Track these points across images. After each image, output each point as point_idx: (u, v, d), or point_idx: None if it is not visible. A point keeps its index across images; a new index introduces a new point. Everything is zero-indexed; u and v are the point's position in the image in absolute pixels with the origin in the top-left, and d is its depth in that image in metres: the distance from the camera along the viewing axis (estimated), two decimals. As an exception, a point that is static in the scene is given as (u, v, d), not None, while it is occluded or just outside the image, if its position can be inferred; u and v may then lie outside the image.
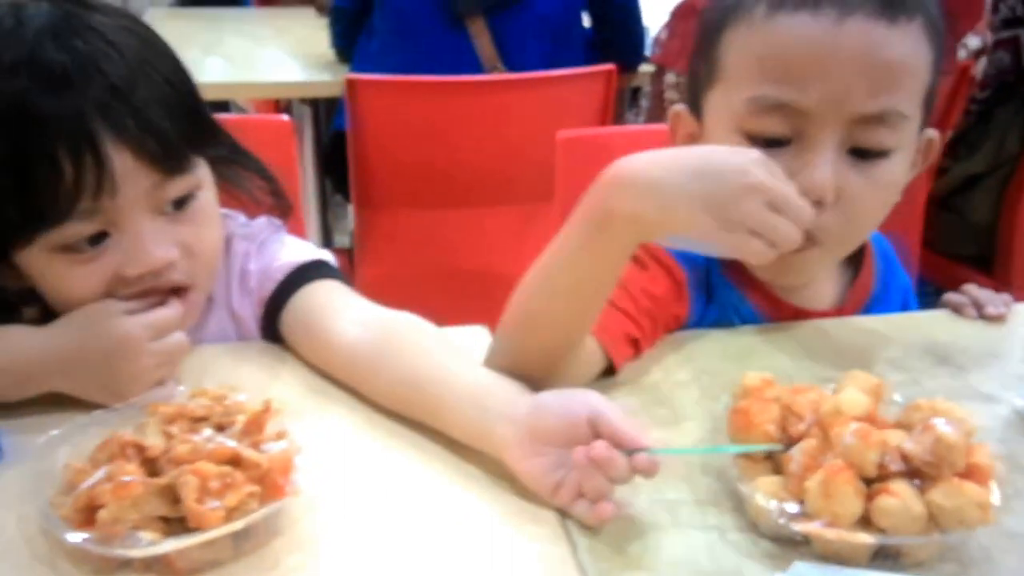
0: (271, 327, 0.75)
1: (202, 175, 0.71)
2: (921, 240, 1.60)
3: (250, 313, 0.77)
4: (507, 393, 0.60)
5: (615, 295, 0.68)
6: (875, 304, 0.83)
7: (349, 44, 1.77)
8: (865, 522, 0.51)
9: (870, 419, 0.54)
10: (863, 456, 0.51)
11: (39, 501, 0.52)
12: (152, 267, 0.67)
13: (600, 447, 0.53)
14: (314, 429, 0.59)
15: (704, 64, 0.74)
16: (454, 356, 0.65)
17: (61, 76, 0.63)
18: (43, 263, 0.66)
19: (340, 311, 0.71)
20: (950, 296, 0.85)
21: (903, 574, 0.51)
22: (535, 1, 1.64)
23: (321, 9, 2.15)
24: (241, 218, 0.81)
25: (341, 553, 0.53)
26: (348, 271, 1.57)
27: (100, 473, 0.51)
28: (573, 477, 0.54)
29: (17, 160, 0.63)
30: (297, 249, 0.79)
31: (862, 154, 0.69)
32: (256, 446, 0.54)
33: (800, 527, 0.51)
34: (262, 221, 0.82)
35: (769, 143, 0.68)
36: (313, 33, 1.96)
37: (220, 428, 0.56)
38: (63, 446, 0.56)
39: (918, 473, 0.52)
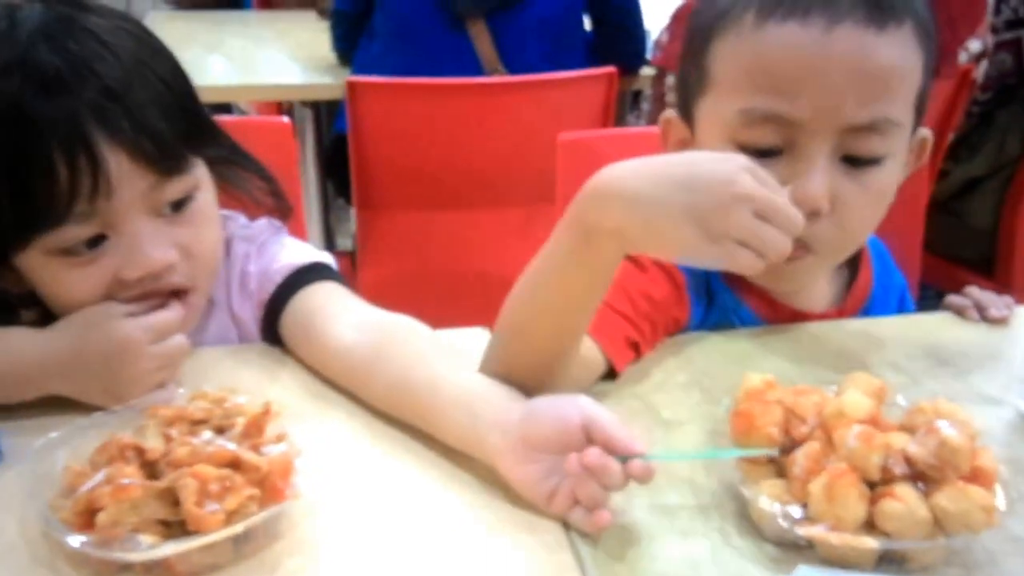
0: (271, 329, 0.75)
1: (200, 176, 0.71)
2: (922, 243, 1.60)
3: (250, 315, 0.77)
4: (499, 399, 0.59)
5: (614, 298, 0.68)
6: (874, 304, 0.83)
7: (350, 47, 1.77)
8: (869, 526, 0.51)
9: (873, 422, 0.54)
10: (866, 459, 0.51)
11: (39, 504, 0.52)
12: (150, 269, 0.66)
13: (594, 454, 0.52)
14: (315, 432, 0.59)
15: (694, 71, 0.73)
16: (448, 361, 0.64)
17: (54, 78, 0.62)
18: (41, 266, 0.66)
19: (337, 315, 0.70)
20: (952, 298, 0.85)
21: (907, 578, 0.51)
22: (535, 3, 1.64)
23: (322, 12, 2.15)
24: (242, 219, 0.81)
25: (342, 556, 0.53)
26: (350, 274, 1.57)
27: (99, 476, 0.51)
28: (568, 484, 0.54)
29: (12, 163, 0.62)
30: (297, 251, 0.78)
31: (854, 162, 0.69)
32: (256, 449, 0.54)
33: (804, 531, 0.51)
34: (263, 223, 0.81)
35: (761, 153, 0.67)
36: (314, 36, 1.96)
37: (220, 431, 0.56)
38: (62, 448, 0.56)
39: (922, 476, 0.52)
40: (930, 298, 1.29)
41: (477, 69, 1.64)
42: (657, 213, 0.55)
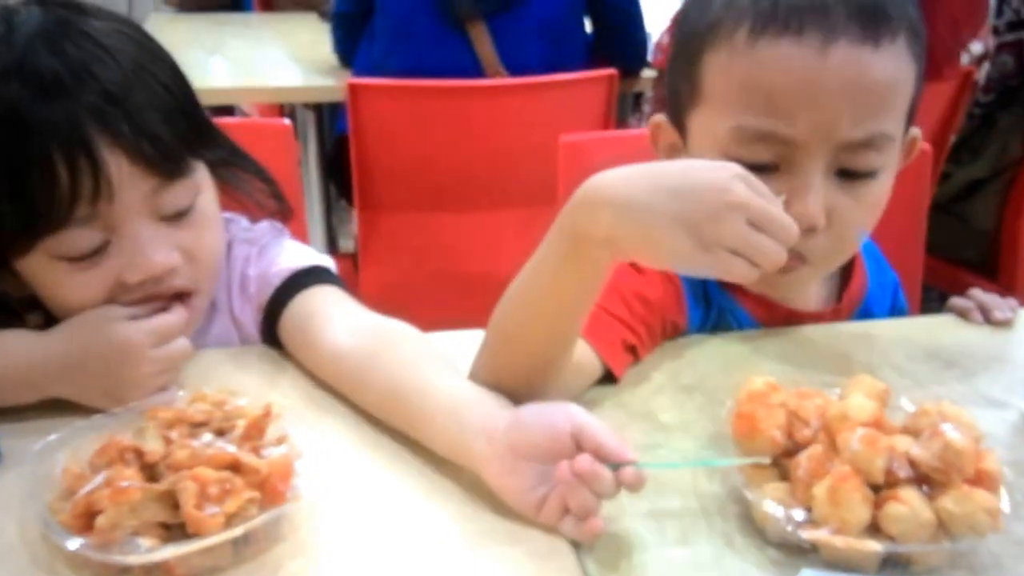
0: (271, 332, 0.75)
1: (201, 179, 0.71)
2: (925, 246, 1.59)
3: (250, 318, 0.77)
4: (486, 407, 0.58)
5: (610, 301, 0.67)
6: (871, 302, 0.83)
7: (351, 48, 1.77)
8: (873, 529, 0.51)
9: (877, 424, 0.54)
10: (870, 462, 0.51)
11: (38, 506, 0.52)
12: (152, 273, 0.66)
13: (585, 461, 0.52)
14: (315, 434, 0.58)
15: (685, 82, 0.72)
16: (439, 368, 0.63)
17: (53, 82, 0.62)
18: (44, 270, 0.66)
19: (331, 320, 0.70)
20: (955, 301, 0.84)
21: (912, 582, 0.50)
22: (536, 5, 1.64)
23: (323, 14, 2.15)
24: (243, 222, 0.81)
25: (343, 559, 0.53)
26: (352, 275, 1.56)
27: (99, 478, 0.51)
28: (557, 493, 0.53)
29: (12, 167, 0.62)
30: (296, 254, 0.78)
31: (849, 175, 0.68)
32: (256, 451, 0.54)
33: (808, 534, 0.50)
34: (264, 225, 0.81)
35: (755, 169, 0.66)
36: (315, 38, 1.96)
37: (220, 433, 0.55)
38: (62, 451, 0.56)
39: (926, 479, 0.51)
40: (932, 300, 1.28)
41: (478, 71, 1.63)
42: (649, 221, 0.53)
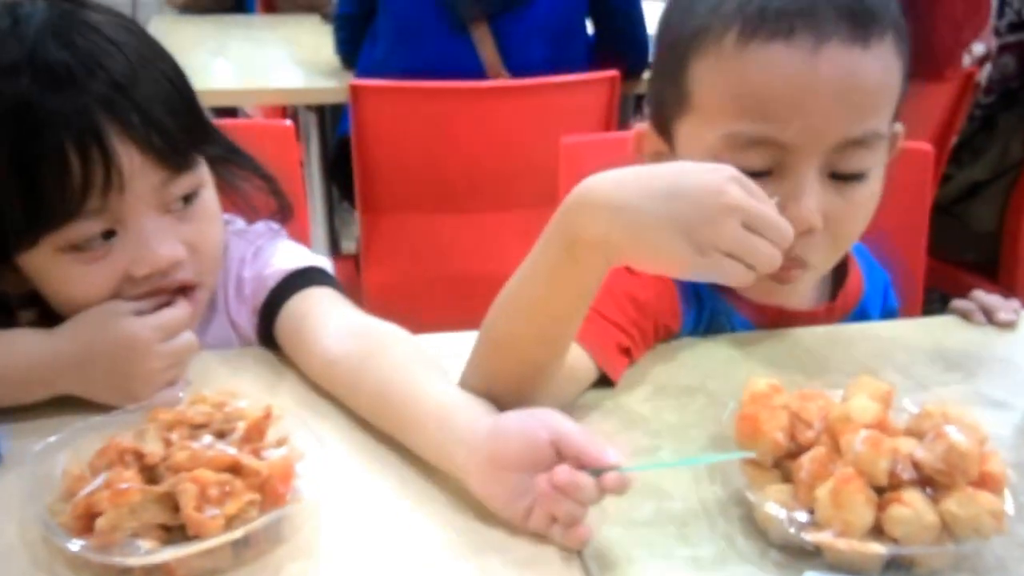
0: (268, 334, 0.75)
1: (203, 173, 0.71)
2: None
3: (247, 320, 0.77)
4: (469, 416, 0.57)
5: (603, 303, 0.66)
6: (867, 303, 0.83)
7: (353, 50, 1.77)
8: (877, 531, 0.50)
9: (880, 426, 0.53)
10: (874, 464, 0.51)
11: (38, 507, 0.52)
12: (159, 266, 0.66)
13: (562, 472, 0.51)
14: (316, 435, 0.58)
15: (671, 89, 0.72)
16: (426, 374, 0.62)
17: (64, 74, 0.62)
18: (49, 264, 0.66)
19: (323, 324, 0.70)
20: (958, 302, 0.84)
21: (915, 584, 0.50)
22: (538, 7, 1.64)
23: (325, 16, 2.15)
24: (239, 222, 0.81)
25: (343, 561, 0.52)
26: (354, 277, 1.56)
27: (99, 480, 0.51)
28: (542, 504, 0.53)
29: (24, 159, 0.62)
30: (291, 255, 0.78)
31: (842, 176, 0.68)
32: (256, 453, 0.54)
33: (811, 537, 0.50)
34: (260, 226, 0.81)
35: (747, 174, 0.66)
36: (318, 39, 1.96)
37: (220, 435, 0.55)
38: (62, 452, 0.56)
39: (930, 481, 0.51)
40: (933, 302, 1.28)
41: (480, 72, 1.63)
42: (644, 224, 0.53)
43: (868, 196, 0.70)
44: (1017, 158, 1.63)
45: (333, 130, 1.88)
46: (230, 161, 0.77)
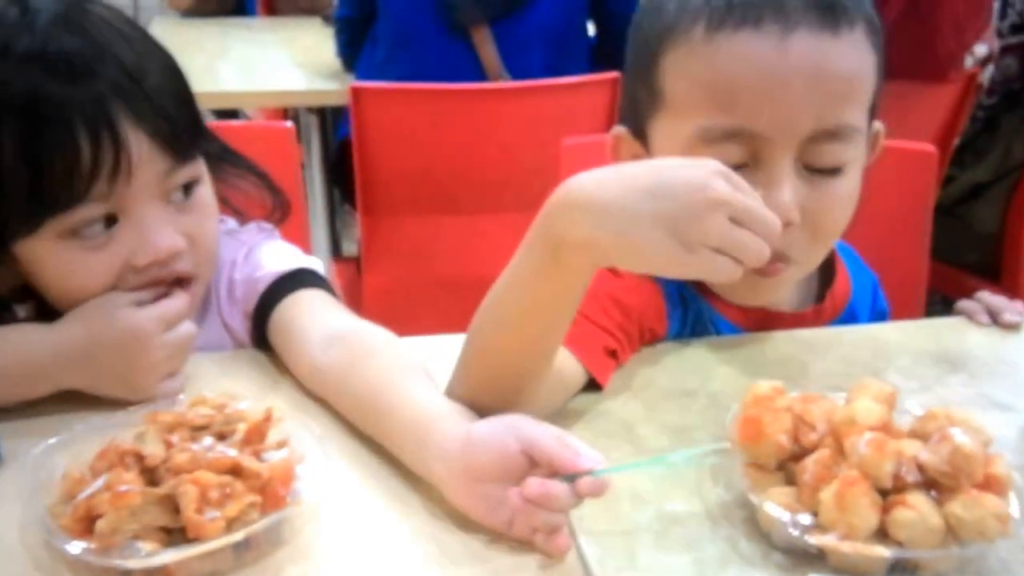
0: (261, 337, 0.74)
1: (202, 167, 0.72)
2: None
3: (239, 323, 0.77)
4: (446, 428, 0.56)
5: (588, 307, 0.66)
6: (856, 305, 0.83)
7: (354, 53, 1.77)
8: (881, 534, 0.50)
9: (884, 429, 0.53)
10: (878, 466, 0.50)
11: (38, 510, 0.52)
12: (160, 256, 0.67)
13: (532, 485, 0.51)
14: (316, 437, 0.58)
15: (644, 90, 0.71)
16: (409, 382, 0.61)
17: (78, 63, 0.63)
18: (49, 252, 0.66)
19: (312, 327, 0.70)
20: (963, 303, 0.84)
21: (920, 587, 0.50)
22: (538, 10, 1.64)
23: (326, 18, 2.15)
24: (230, 223, 0.81)
25: (343, 563, 0.52)
26: (355, 279, 1.56)
27: (99, 482, 0.51)
28: (518, 516, 0.52)
29: (34, 148, 0.63)
30: (281, 257, 0.77)
31: (817, 170, 0.68)
32: (257, 455, 0.54)
33: (814, 540, 0.50)
34: (251, 227, 0.81)
35: None
36: (319, 42, 1.96)
37: (221, 437, 0.55)
38: (62, 454, 0.56)
39: (934, 484, 0.51)
40: (935, 304, 1.28)
41: (480, 75, 1.63)
42: (628, 223, 0.51)
43: (846, 191, 0.70)
44: (1019, 159, 1.63)
45: (334, 132, 1.88)
46: (224, 160, 0.78)
